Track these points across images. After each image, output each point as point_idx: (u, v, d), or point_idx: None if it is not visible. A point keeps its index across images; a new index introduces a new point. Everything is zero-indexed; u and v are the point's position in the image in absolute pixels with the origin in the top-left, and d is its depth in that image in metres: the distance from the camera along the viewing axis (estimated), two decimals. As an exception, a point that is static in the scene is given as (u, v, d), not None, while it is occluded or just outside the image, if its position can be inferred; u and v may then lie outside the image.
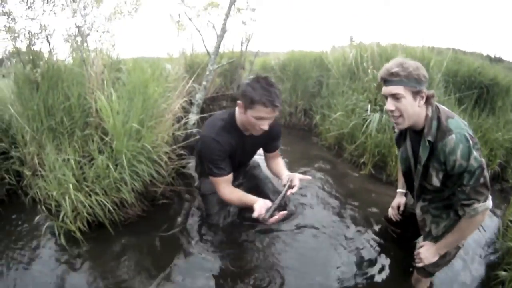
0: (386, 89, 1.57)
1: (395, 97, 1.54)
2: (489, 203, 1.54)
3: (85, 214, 2.12)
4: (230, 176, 2.03)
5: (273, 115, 1.90)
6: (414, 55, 4.23)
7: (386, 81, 1.56)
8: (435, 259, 1.77)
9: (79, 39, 2.87)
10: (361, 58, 4.69)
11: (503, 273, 2.05)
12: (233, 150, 2.04)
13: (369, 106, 3.97)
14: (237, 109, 1.97)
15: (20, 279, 1.90)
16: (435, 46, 6.12)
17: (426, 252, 1.79)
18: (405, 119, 1.58)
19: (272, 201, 1.93)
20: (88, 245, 2.12)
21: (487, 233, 2.89)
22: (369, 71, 4.29)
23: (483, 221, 1.67)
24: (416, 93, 1.51)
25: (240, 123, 2.00)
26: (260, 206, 1.81)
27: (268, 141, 2.21)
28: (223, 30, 4.66)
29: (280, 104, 1.88)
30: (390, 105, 1.57)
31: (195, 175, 2.79)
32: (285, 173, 2.14)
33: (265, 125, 1.88)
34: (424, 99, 1.53)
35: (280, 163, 2.32)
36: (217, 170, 1.97)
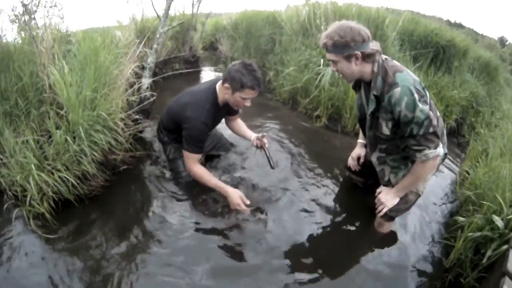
0: (327, 56, 1.94)
1: (332, 62, 1.91)
2: (440, 150, 1.84)
3: (50, 193, 2.20)
4: (201, 155, 2.47)
5: (256, 95, 2.32)
6: (368, 14, 4.49)
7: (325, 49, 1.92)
8: (395, 201, 2.09)
9: (26, 17, 2.87)
10: (314, 15, 4.94)
11: (462, 218, 2.37)
12: (214, 123, 2.53)
13: (322, 60, 4.22)
14: (218, 89, 2.39)
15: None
16: (394, 7, 6.47)
17: (386, 196, 2.11)
18: (347, 77, 1.96)
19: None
20: (59, 225, 2.20)
21: (447, 183, 3.32)
22: (322, 27, 4.53)
23: (435, 166, 1.97)
24: (347, 57, 1.83)
25: (221, 100, 2.41)
26: (238, 196, 2.29)
27: (233, 108, 2.61)
28: (173, -9, 4.70)
29: (262, 86, 2.35)
30: (332, 67, 1.97)
31: (153, 138, 3.24)
32: (253, 135, 2.72)
33: (248, 103, 2.34)
34: (361, 58, 1.83)
35: (241, 124, 2.87)
36: (197, 148, 2.39)
